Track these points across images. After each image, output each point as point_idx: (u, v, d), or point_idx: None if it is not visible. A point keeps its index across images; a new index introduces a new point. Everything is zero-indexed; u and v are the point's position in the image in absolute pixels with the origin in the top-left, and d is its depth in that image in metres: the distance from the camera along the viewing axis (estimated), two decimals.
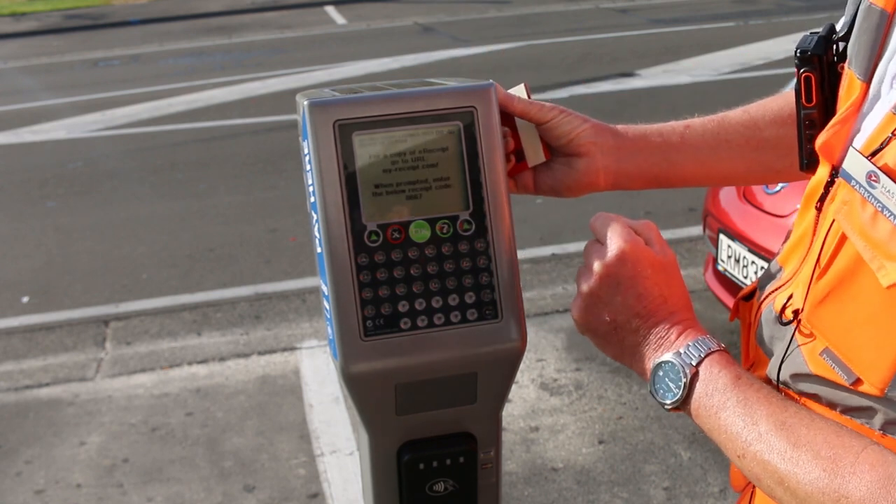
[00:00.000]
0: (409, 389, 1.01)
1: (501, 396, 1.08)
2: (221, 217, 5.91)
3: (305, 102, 0.96)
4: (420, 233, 0.96)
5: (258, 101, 9.04)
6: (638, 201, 5.51)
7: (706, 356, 0.85)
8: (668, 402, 0.86)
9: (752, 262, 3.28)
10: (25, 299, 4.87)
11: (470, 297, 0.99)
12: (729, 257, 3.45)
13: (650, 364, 0.88)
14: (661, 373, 0.87)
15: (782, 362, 0.88)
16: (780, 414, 0.79)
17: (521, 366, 1.06)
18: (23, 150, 7.94)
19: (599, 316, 0.90)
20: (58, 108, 9.37)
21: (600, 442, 3.29)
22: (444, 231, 0.97)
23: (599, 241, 0.92)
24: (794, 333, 0.86)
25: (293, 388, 3.81)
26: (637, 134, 1.11)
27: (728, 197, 3.56)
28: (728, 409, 0.82)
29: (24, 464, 3.40)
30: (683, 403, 0.86)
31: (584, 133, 1.07)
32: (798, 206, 0.93)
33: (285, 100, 8.58)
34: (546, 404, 3.54)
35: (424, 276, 0.97)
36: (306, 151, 0.97)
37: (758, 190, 3.42)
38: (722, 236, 3.50)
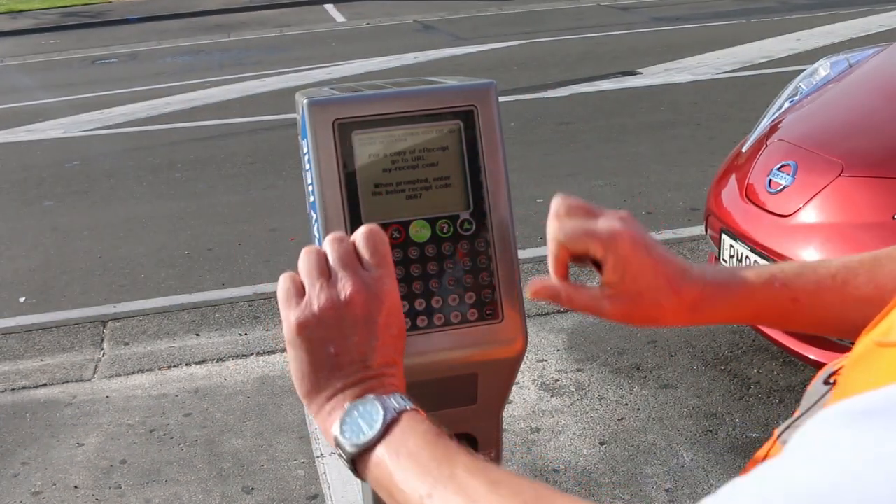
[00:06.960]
0: (408, 389, 0.99)
1: (502, 397, 1.07)
2: (220, 217, 5.89)
3: (305, 101, 0.95)
4: (420, 232, 0.95)
5: (257, 100, 9.04)
6: (639, 201, 5.50)
7: (411, 409, 0.80)
8: (359, 441, 0.77)
9: (755, 262, 3.26)
10: (22, 299, 4.86)
11: (470, 298, 0.98)
12: (731, 257, 3.44)
13: (345, 404, 0.80)
14: (356, 413, 0.79)
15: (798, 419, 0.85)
16: (481, 464, 0.74)
17: (522, 366, 1.05)
18: (20, 148, 7.93)
19: (325, 342, 0.81)
20: (55, 107, 9.36)
21: (601, 443, 3.28)
22: (445, 231, 0.96)
23: (354, 257, 0.82)
24: (825, 394, 0.83)
25: (292, 389, 3.77)
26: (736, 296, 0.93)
27: (730, 196, 3.55)
28: (423, 453, 0.75)
29: (21, 465, 3.38)
30: (367, 450, 0.77)
31: (657, 302, 0.90)
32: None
33: (284, 98, 8.57)
34: (547, 405, 3.52)
35: (424, 276, 0.97)
36: (306, 150, 0.96)
37: (760, 189, 3.40)
38: (724, 236, 3.48)
